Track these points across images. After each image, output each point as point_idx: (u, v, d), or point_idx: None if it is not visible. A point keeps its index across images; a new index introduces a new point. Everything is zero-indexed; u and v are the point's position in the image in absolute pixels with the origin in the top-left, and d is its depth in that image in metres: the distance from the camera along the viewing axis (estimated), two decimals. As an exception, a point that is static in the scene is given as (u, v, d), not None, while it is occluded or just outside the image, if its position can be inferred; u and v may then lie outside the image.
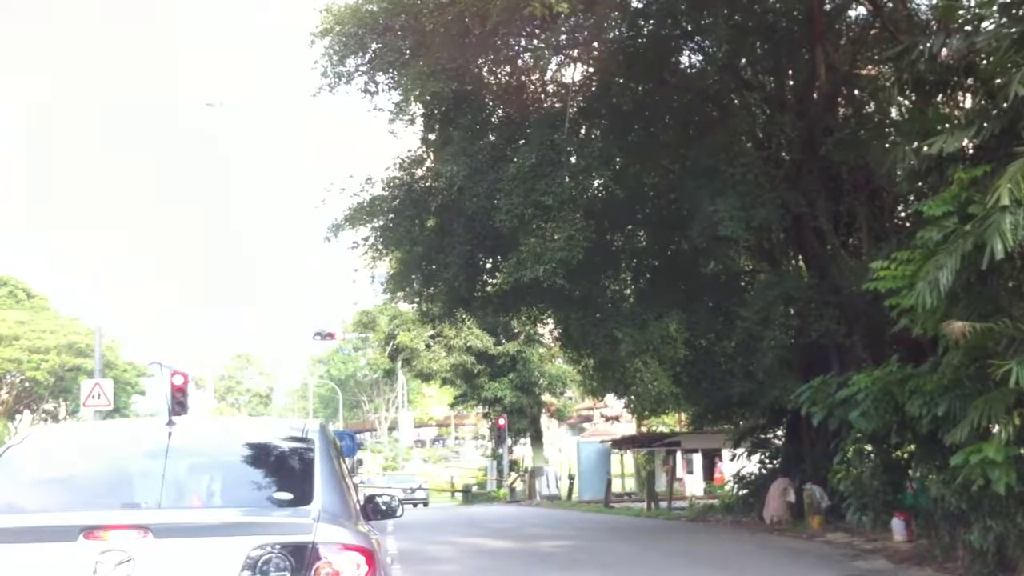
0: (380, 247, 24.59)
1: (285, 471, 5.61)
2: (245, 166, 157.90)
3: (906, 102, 18.67)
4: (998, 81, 13.55)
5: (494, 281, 24.37)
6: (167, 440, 5.48)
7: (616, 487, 44.76)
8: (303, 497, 5.06)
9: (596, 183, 23.36)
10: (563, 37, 22.73)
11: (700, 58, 24.43)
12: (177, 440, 5.54)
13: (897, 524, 17.53)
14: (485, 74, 23.41)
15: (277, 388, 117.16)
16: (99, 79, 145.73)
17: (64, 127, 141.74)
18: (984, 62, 14.22)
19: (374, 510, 6.28)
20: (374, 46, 21.75)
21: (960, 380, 14.02)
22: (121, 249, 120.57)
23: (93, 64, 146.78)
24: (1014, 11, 13.53)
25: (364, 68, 22.21)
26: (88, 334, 54.81)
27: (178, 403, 23.46)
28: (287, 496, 5.21)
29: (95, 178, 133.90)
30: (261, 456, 5.72)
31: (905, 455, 18.73)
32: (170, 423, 5.65)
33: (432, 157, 24.21)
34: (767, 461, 27.39)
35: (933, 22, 18.40)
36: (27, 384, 64.08)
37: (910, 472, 18.34)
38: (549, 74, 24.72)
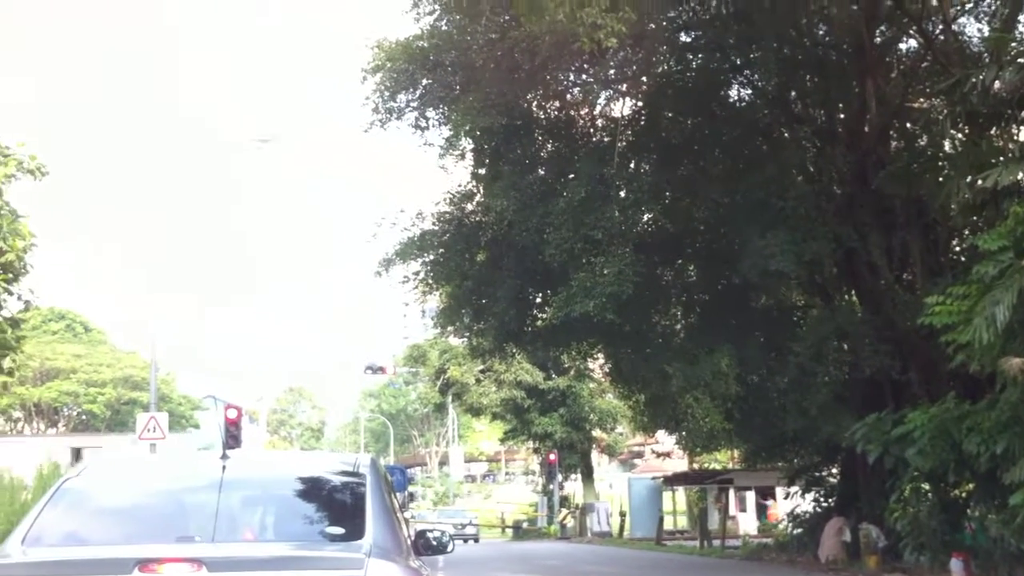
0: (430, 281, 24.72)
1: (337, 505, 5.63)
2: (291, 194, 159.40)
3: (959, 135, 18.56)
4: (1053, 113, 13.42)
5: (544, 315, 24.38)
6: (221, 473, 5.53)
7: (668, 524, 44.32)
8: (355, 532, 5.08)
9: (646, 217, 23.34)
10: (612, 71, 22.85)
11: (749, 91, 24.41)
12: (231, 473, 5.58)
13: (956, 564, 17.16)
14: (534, 109, 23.57)
15: (329, 422, 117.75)
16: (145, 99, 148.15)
17: (116, 153, 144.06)
18: (1039, 94, 14.09)
19: (425, 545, 6.28)
20: (424, 82, 21.99)
21: (1019, 417, 13.81)
22: (174, 284, 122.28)
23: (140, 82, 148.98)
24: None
25: (415, 103, 22.45)
26: (144, 367, 55.45)
27: (232, 436, 23.64)
28: (339, 530, 5.23)
29: (148, 208, 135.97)
30: (313, 490, 5.75)
31: (963, 494, 18.41)
32: (224, 456, 5.71)
33: (482, 191, 24.36)
34: (822, 499, 27.01)
35: (985, 54, 18.28)
36: (84, 417, 64.98)
37: (968, 511, 18.01)
38: (598, 108, 24.86)
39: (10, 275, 23.18)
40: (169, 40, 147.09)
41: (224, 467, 5.59)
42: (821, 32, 22.83)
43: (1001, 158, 14.41)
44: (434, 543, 6.33)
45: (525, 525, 59.10)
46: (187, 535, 5.12)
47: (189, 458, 7.30)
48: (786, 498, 31.30)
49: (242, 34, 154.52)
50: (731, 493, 42.18)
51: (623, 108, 24.26)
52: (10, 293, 23.71)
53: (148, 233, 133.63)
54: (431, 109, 22.66)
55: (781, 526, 32.33)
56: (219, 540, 5.07)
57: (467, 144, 23.09)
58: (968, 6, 22.38)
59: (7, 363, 24.65)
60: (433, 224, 24.33)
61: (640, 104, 23.97)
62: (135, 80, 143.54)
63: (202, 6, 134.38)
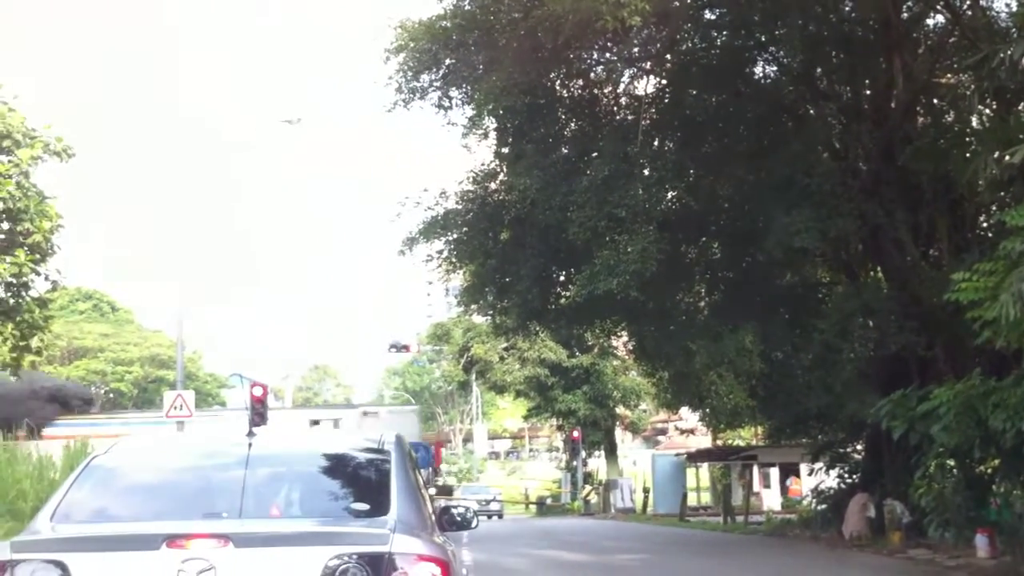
0: (454, 260, 24.76)
1: (362, 482, 5.70)
2: (312, 175, 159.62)
3: (987, 111, 18.40)
4: (1082, 88, 13.28)
5: (567, 294, 24.39)
6: (247, 450, 5.60)
7: (691, 501, 44.44)
8: (379, 508, 5.14)
9: (669, 195, 23.27)
10: (636, 50, 22.75)
11: (775, 69, 24.23)
12: (257, 450, 5.65)
13: (981, 540, 17.14)
14: (558, 88, 23.49)
15: (354, 399, 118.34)
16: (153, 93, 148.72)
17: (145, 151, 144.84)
18: (1067, 69, 13.95)
19: (449, 521, 6.34)
20: (448, 61, 21.96)
21: (1045, 394, 13.73)
22: (200, 262, 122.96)
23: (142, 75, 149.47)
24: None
25: (438, 83, 22.43)
26: (170, 346, 55.95)
27: (258, 414, 23.79)
28: (364, 507, 5.28)
29: (164, 184, 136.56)
30: (338, 467, 5.82)
31: (988, 470, 18.35)
32: (250, 434, 5.78)
33: (505, 170, 24.33)
34: (846, 476, 26.98)
35: (1013, 29, 18.06)
36: (111, 395, 65.67)
37: (994, 487, 17.96)
38: (622, 87, 24.75)
39: (37, 255, 23.45)
40: (169, 39, 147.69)
41: (250, 444, 5.67)
42: (847, 8, 22.61)
43: (1029, 134, 14.29)
44: (458, 519, 6.40)
45: (549, 501, 59.35)
46: (214, 511, 5.20)
47: (215, 436, 7.36)
48: (810, 474, 31.29)
49: (243, 33, 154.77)
50: (755, 469, 42.19)
51: (647, 86, 24.16)
52: (37, 273, 24.01)
53: (173, 221, 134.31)
54: (454, 89, 22.64)
55: (805, 502, 32.34)
56: (246, 516, 5.14)
57: (490, 123, 23.06)
58: (996, -20, 22.13)
59: (35, 342, 25.01)
60: (456, 203, 24.37)
61: (664, 82, 23.84)
62: (135, 78, 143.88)
63: (203, 5, 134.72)
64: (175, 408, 26.97)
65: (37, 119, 22.71)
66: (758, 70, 24.41)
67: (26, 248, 23.04)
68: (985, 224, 22.19)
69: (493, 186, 24.90)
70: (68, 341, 60.41)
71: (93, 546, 4.73)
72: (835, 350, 21.17)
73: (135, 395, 64.72)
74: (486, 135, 23.96)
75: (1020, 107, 16.37)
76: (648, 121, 22.68)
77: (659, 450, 58.42)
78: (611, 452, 55.75)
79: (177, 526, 4.80)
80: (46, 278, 24.21)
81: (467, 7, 21.58)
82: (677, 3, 20.41)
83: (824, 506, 26.85)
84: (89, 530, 4.99)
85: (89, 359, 62.96)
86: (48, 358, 60.01)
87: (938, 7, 21.86)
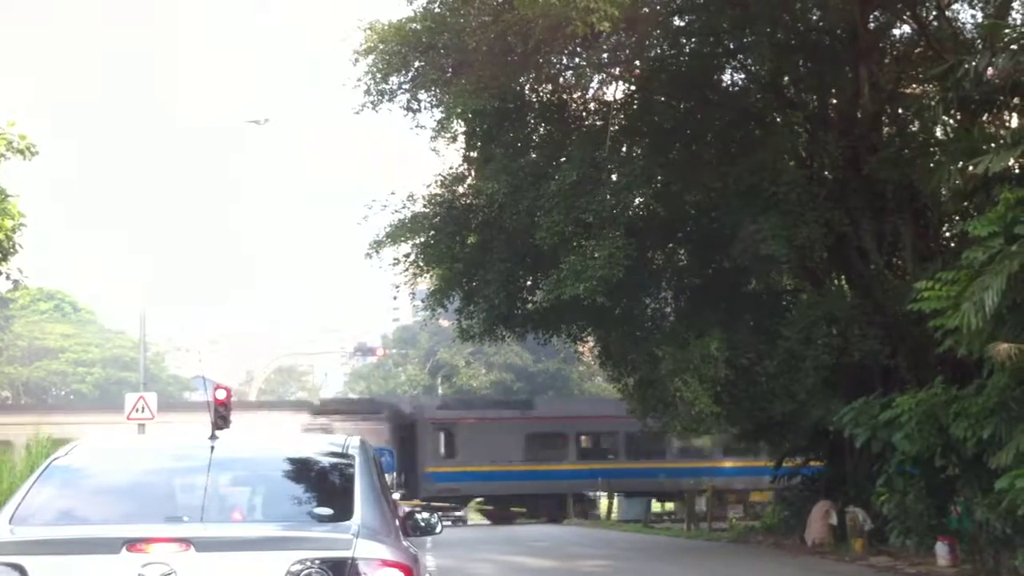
0: (421, 264, 24.68)
1: (326, 486, 5.66)
2: (277, 178, 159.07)
3: (951, 121, 18.60)
4: (1045, 100, 13.45)
5: (534, 298, 24.38)
6: (210, 454, 5.54)
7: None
8: (343, 512, 5.10)
9: (637, 201, 23.34)
10: (605, 55, 22.81)
11: (742, 76, 24.39)
12: (219, 454, 5.59)
13: (941, 548, 17.28)
14: (527, 92, 23.52)
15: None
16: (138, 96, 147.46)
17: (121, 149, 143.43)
18: (1031, 81, 14.12)
19: (413, 526, 6.32)
20: (417, 64, 21.89)
21: (1006, 402, 13.88)
22: (158, 262, 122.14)
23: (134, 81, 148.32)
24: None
25: (407, 86, 22.36)
26: (133, 347, 55.38)
27: (221, 417, 23.53)
28: (327, 511, 5.25)
29: (127, 184, 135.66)
30: (302, 471, 5.78)
31: (950, 478, 18.52)
32: (213, 437, 5.71)
33: (473, 174, 24.32)
34: (809, 483, 27.09)
35: (979, 41, 18.30)
36: (72, 397, 64.87)
37: (955, 496, 18.11)
38: (591, 92, 24.80)
39: (-1, 254, 23.08)
40: (168, 37, 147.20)
41: (213, 448, 5.60)
42: (815, 17, 22.81)
43: (992, 144, 14.44)
44: (422, 524, 6.37)
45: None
46: (175, 515, 5.14)
47: (178, 438, 7.25)
48: (773, 481, 31.39)
49: (241, 32, 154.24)
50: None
51: (616, 92, 24.23)
52: (-2, 272, 23.61)
53: (142, 223, 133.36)
54: (423, 91, 22.57)
55: (768, 509, 32.46)
56: (207, 520, 5.09)
57: (459, 127, 23.01)
58: (962, -8, 22.37)
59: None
60: (424, 207, 24.31)
61: (633, 88, 23.93)
62: (131, 77, 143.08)
63: (201, 5, 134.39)
64: (137, 410, 26.61)
65: (25, 118, 22.38)
66: (726, 77, 24.60)
67: (-14, 247, 22.68)
68: (948, 234, 22.43)
69: (461, 190, 24.86)
70: (29, 341, 59.68)
71: (52, 549, 4.67)
72: (799, 357, 21.28)
73: (96, 397, 63.94)
74: (455, 139, 23.92)
75: (984, 118, 16.55)
76: (616, 127, 22.73)
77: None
78: (577, 457, 55.71)
79: (138, 530, 4.75)
80: (7, 277, 23.84)
81: (437, 9, 21.54)
82: (646, 9, 20.49)
83: (787, 513, 26.97)
84: (48, 533, 4.92)
85: (50, 360, 62.15)
86: (8, 358, 59.35)
87: (905, 18, 22.10)
